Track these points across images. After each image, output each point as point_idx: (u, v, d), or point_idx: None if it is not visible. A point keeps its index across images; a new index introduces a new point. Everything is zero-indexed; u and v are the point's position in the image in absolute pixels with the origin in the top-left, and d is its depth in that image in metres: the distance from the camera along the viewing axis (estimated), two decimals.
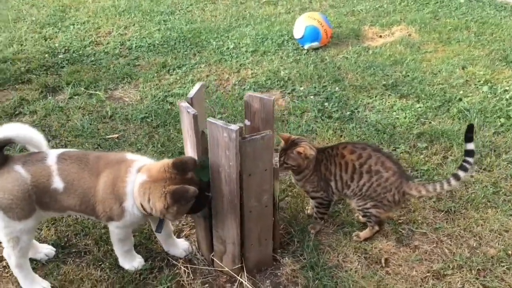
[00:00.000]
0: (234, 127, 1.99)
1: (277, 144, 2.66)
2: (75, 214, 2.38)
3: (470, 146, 2.45)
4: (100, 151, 3.36)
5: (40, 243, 2.62)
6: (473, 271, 2.47)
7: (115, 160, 2.24)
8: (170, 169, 2.11)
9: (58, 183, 2.18)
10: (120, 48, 5.15)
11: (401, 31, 5.18)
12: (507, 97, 3.84)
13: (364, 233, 2.68)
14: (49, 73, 4.58)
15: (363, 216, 2.65)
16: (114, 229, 2.33)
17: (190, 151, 2.26)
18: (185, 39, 5.26)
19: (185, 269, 2.50)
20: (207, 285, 2.44)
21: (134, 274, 2.46)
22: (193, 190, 2.05)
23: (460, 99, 3.91)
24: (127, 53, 5.05)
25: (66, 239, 2.69)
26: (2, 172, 2.15)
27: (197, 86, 2.28)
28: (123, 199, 2.17)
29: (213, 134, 2.07)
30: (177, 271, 2.49)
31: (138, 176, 2.16)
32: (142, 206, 2.16)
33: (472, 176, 3.08)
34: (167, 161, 2.14)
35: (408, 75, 4.27)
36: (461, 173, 2.48)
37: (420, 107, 3.82)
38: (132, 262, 2.50)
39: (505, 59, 4.38)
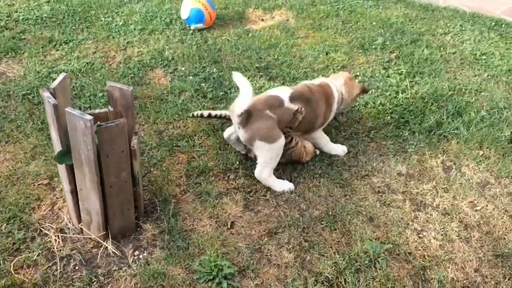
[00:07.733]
0: (89, 116, 2.34)
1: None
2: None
3: None
4: None
5: None
6: (299, 229, 3.07)
7: (319, 84, 3.57)
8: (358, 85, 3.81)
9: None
10: (7, 20, 5.13)
11: (281, 16, 5.65)
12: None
13: None
14: None
15: None
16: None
17: (54, 135, 2.58)
18: (75, 13, 5.34)
19: (56, 238, 2.85)
20: (75, 250, 2.82)
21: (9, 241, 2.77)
22: (370, 90, 4.03)
23: None
24: (13, 25, 5.06)
25: None
26: (257, 117, 3.21)
27: (60, 77, 2.57)
28: (332, 101, 3.54)
29: (72, 122, 2.40)
30: (49, 239, 2.84)
31: (338, 82, 3.65)
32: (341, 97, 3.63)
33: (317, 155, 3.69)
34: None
35: (279, 59, 4.77)
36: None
37: None
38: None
39: (362, 47, 5.02)
